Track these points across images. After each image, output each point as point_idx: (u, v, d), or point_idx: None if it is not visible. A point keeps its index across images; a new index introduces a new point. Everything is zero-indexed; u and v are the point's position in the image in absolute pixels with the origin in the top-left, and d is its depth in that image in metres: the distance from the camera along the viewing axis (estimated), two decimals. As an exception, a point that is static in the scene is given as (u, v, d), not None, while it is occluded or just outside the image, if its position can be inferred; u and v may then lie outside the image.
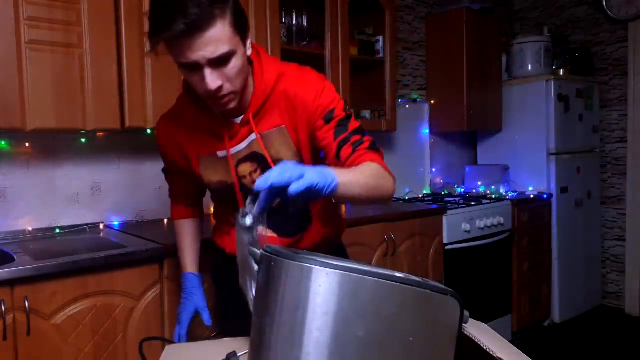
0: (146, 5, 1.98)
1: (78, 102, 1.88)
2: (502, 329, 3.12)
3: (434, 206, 2.86)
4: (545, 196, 3.40)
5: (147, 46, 2.00)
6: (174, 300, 1.78)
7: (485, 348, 0.76)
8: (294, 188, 0.81)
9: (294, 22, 2.62)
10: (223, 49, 1.01)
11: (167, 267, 1.79)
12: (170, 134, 1.30)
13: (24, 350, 1.52)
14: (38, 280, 1.53)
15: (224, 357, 0.87)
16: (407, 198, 3.31)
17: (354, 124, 1.18)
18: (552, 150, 3.44)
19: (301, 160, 1.23)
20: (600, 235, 3.84)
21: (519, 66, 3.65)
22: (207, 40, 0.98)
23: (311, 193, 0.85)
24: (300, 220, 1.31)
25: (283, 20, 2.53)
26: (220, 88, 1.05)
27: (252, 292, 0.87)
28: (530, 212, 3.32)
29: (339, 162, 1.15)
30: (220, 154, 1.24)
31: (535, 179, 3.51)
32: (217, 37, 0.99)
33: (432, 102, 3.57)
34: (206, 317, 1.37)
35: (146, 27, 1.96)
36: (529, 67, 3.60)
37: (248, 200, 0.87)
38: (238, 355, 0.87)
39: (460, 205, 2.96)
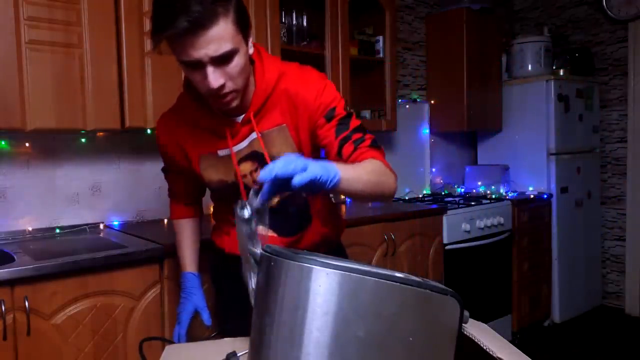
0: (146, 5, 1.98)
1: (78, 102, 1.88)
2: (502, 329, 3.12)
3: (434, 206, 2.86)
4: (545, 196, 3.40)
5: (147, 46, 2.00)
6: (174, 300, 1.78)
7: (485, 348, 0.76)
8: (297, 180, 0.82)
9: (294, 22, 2.61)
10: (226, 47, 1.01)
11: (167, 267, 1.79)
12: (170, 132, 1.30)
13: (24, 350, 1.52)
14: (38, 280, 1.53)
15: (224, 357, 0.87)
16: (407, 198, 3.31)
17: (355, 122, 1.19)
18: (552, 150, 3.44)
19: None
20: (600, 235, 3.84)
21: (519, 66, 3.65)
22: (210, 38, 0.99)
23: (314, 186, 0.86)
24: (300, 220, 1.31)
25: (283, 20, 2.53)
26: (222, 86, 1.05)
27: (252, 283, 0.88)
28: (530, 212, 3.32)
29: (340, 160, 1.15)
30: (221, 152, 1.24)
31: (535, 179, 3.51)
32: (220, 35, 0.99)
33: (432, 102, 3.57)
34: (206, 317, 1.37)
35: (146, 27, 1.98)
36: (529, 67, 3.60)
37: (251, 193, 0.88)
38: (238, 355, 0.87)
39: (460, 205, 2.96)
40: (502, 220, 3.09)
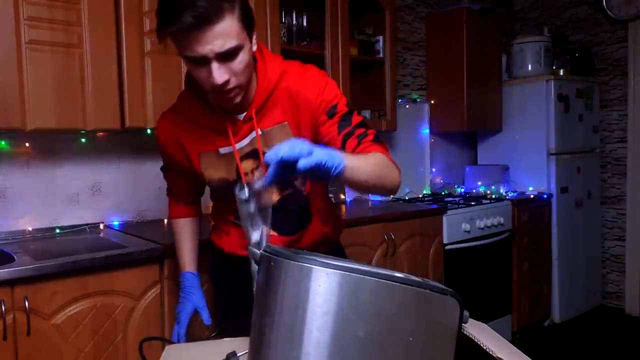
0: (146, 5, 1.98)
1: (78, 102, 1.87)
2: (502, 329, 3.11)
3: (434, 206, 2.85)
4: (545, 196, 3.40)
5: (147, 46, 2.00)
6: (174, 300, 1.77)
7: (485, 348, 0.76)
8: (302, 163, 0.82)
9: (294, 22, 2.61)
10: (231, 43, 1.01)
11: (167, 267, 1.79)
12: (170, 130, 1.30)
13: (24, 350, 1.52)
14: (38, 280, 1.53)
15: (224, 357, 0.87)
16: (407, 198, 3.31)
17: (357, 118, 1.20)
18: (552, 150, 3.44)
19: None
20: (600, 235, 3.84)
21: (519, 66, 3.65)
22: (216, 34, 0.99)
23: (319, 171, 0.86)
24: (301, 218, 1.31)
25: (283, 20, 2.53)
26: (226, 82, 1.06)
27: (254, 235, 0.94)
28: (530, 212, 3.32)
29: None
30: (222, 150, 1.24)
31: (535, 179, 3.51)
32: (226, 31, 1.00)
33: (432, 102, 3.57)
34: (205, 317, 1.37)
35: (146, 27, 1.98)
36: (529, 67, 3.60)
37: (256, 175, 0.89)
38: (238, 355, 0.87)
39: (460, 205, 2.96)
40: (502, 220, 3.09)
